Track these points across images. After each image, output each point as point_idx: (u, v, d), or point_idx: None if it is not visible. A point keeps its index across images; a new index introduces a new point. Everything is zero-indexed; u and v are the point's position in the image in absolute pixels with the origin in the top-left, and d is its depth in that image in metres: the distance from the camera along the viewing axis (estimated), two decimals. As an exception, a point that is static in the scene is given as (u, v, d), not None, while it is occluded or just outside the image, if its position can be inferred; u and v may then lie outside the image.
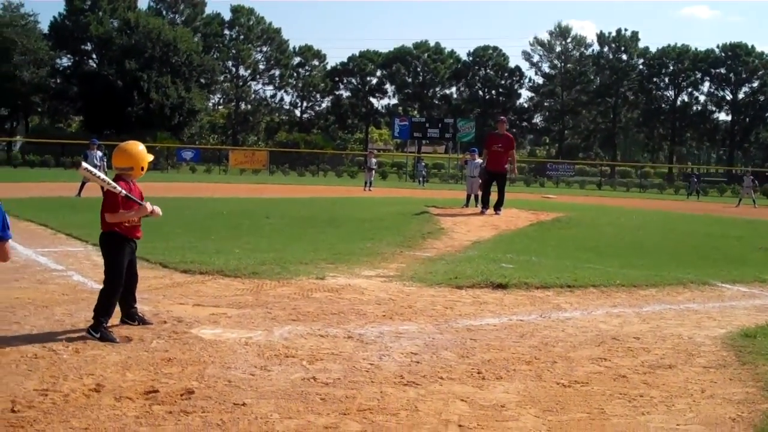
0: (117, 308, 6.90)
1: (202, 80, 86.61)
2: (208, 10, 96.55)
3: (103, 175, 6.87)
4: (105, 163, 27.05)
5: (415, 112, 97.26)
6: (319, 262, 11.19)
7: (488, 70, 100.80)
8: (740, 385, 5.79)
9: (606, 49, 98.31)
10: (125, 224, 6.79)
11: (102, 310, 6.64)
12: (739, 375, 6.06)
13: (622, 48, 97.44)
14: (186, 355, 6.16)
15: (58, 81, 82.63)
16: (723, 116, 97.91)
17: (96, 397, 5.04)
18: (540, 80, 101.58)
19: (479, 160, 21.33)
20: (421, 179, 55.97)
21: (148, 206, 6.77)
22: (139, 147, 6.93)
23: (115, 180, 6.73)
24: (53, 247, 12.46)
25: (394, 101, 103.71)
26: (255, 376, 5.66)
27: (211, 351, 6.29)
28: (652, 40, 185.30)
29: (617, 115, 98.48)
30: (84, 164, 6.81)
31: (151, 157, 7.02)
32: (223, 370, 5.75)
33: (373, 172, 42.07)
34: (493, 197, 19.21)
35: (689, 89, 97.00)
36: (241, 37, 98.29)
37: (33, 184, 31.38)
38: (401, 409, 5.07)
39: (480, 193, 20.28)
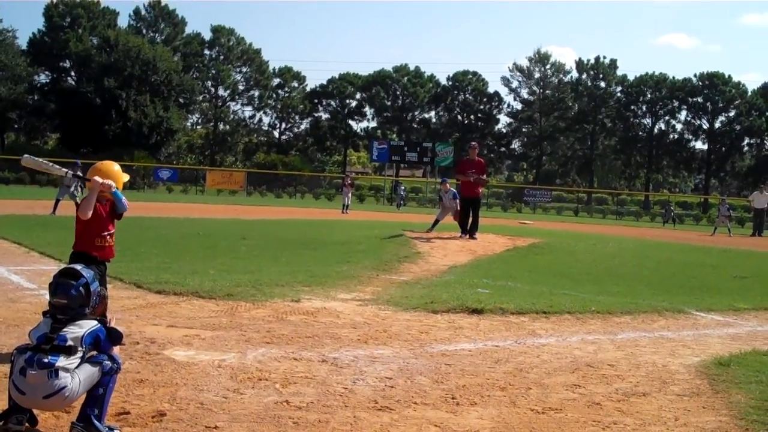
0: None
1: (181, 100, 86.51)
2: (188, 30, 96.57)
3: (44, 161, 6.87)
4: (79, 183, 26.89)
5: (394, 135, 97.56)
6: (294, 285, 11.14)
7: (467, 95, 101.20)
8: (713, 413, 5.80)
9: (584, 76, 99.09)
10: (97, 244, 6.72)
11: None
12: (712, 403, 6.07)
13: (601, 75, 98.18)
14: (158, 376, 6.10)
15: (36, 97, 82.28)
16: (699, 145, 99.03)
17: (66, 418, 4.97)
18: (518, 106, 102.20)
19: (453, 189, 21.27)
20: (399, 203, 56.04)
21: (98, 179, 6.63)
22: (114, 167, 6.90)
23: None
24: (26, 266, 12.34)
25: (373, 124, 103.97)
26: (228, 399, 5.61)
27: (183, 373, 6.23)
28: (630, 68, 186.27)
29: (595, 142, 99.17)
30: (26, 155, 6.70)
31: (126, 177, 6.98)
32: (195, 393, 5.69)
33: (350, 194, 42.18)
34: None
35: (666, 117, 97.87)
36: (221, 57, 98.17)
37: (7, 201, 31.08)
38: (374, 435, 5.04)
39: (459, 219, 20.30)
